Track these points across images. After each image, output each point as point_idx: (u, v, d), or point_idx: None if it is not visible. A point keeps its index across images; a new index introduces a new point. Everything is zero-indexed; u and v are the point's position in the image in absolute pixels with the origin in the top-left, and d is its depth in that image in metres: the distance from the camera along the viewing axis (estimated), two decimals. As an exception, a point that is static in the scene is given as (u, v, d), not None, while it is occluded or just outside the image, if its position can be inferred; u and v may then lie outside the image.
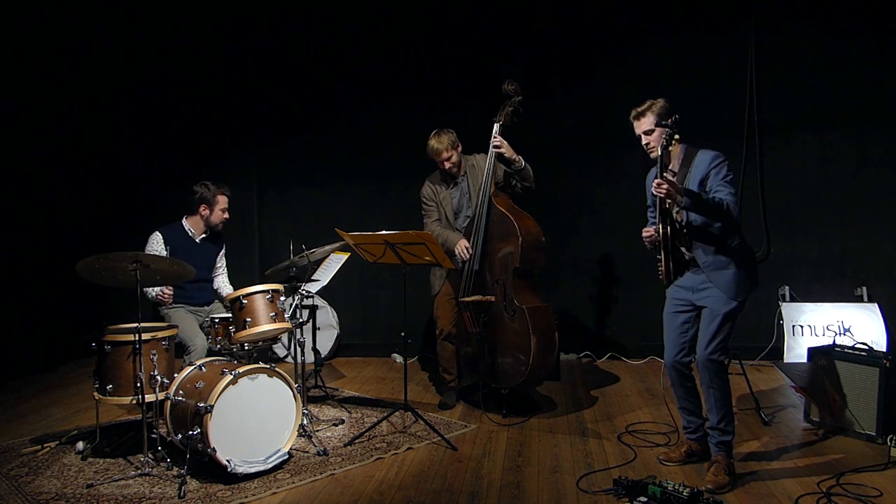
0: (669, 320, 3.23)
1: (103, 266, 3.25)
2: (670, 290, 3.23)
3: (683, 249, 3.09)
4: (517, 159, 4.18)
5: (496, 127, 4.19)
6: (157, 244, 4.08)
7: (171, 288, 3.99)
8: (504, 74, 4.37)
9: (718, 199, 2.92)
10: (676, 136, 2.99)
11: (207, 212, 4.22)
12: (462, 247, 4.18)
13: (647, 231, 3.13)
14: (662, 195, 2.93)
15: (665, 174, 2.98)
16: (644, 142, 3.15)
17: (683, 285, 3.15)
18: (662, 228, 3.01)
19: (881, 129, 5.18)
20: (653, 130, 3.10)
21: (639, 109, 3.14)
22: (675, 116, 2.99)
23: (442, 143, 4.24)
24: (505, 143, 4.17)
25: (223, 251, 4.47)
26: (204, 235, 4.30)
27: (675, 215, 3.05)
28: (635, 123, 3.16)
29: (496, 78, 4.28)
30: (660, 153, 3.00)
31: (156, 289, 3.98)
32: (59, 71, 5.98)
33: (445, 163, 4.28)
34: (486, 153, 4.20)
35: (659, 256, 3.08)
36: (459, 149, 4.32)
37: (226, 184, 4.32)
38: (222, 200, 4.24)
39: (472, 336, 4.21)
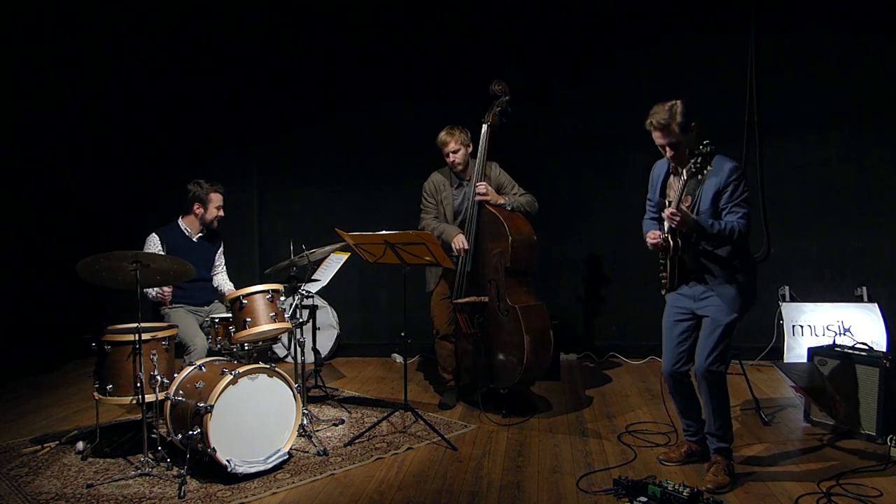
0: (669, 329, 3.20)
1: (103, 266, 3.25)
2: (671, 297, 3.19)
3: (688, 259, 3.05)
4: (504, 205, 4.18)
5: (484, 128, 4.20)
6: (153, 246, 4.08)
7: (169, 287, 3.99)
8: (506, 74, 4.37)
9: (730, 227, 2.87)
10: (709, 168, 2.80)
11: (202, 210, 4.22)
12: (459, 241, 4.17)
13: (654, 236, 3.05)
14: (675, 226, 2.87)
15: (680, 207, 2.87)
16: (668, 153, 2.99)
17: (685, 293, 3.12)
18: (672, 240, 2.96)
19: (881, 129, 5.17)
20: (678, 143, 2.92)
21: (661, 121, 2.90)
22: (711, 147, 2.76)
23: (451, 136, 4.24)
24: (490, 190, 4.17)
25: (221, 249, 4.48)
26: (201, 234, 4.30)
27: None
28: (656, 134, 2.94)
29: (497, 77, 4.28)
30: (685, 178, 2.86)
31: (155, 288, 3.98)
32: (60, 70, 5.97)
33: (451, 155, 4.27)
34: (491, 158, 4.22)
35: (662, 262, 3.06)
36: (469, 149, 4.31)
37: (226, 184, 4.33)
38: (216, 198, 4.24)
39: (468, 337, 4.22)
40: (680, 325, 3.16)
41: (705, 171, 2.82)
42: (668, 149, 2.99)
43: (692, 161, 2.81)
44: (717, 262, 3.00)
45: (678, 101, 2.92)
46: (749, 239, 3.03)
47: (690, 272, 3.07)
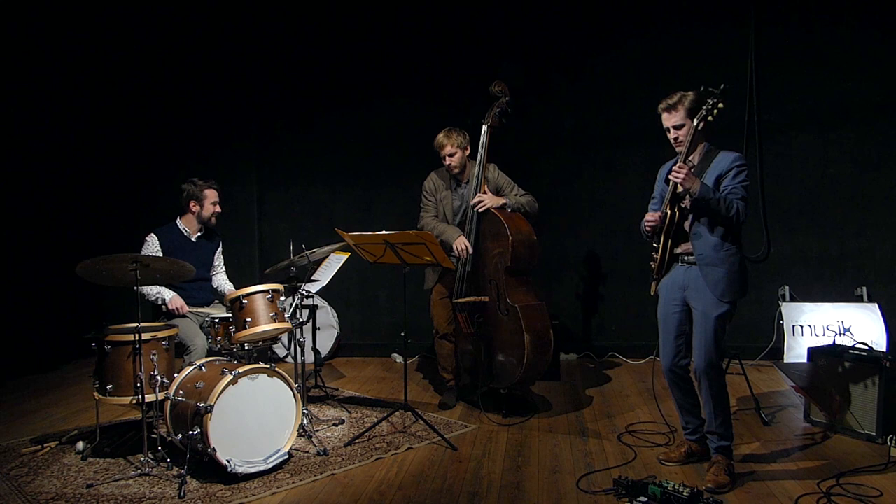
0: (665, 323, 3.23)
1: (103, 267, 3.25)
2: (662, 290, 3.22)
3: (681, 237, 3.08)
4: (504, 205, 4.17)
5: (484, 129, 4.20)
6: (152, 246, 4.08)
7: (184, 306, 4.02)
8: (505, 73, 4.37)
9: (730, 200, 2.91)
10: (721, 105, 2.88)
11: (198, 208, 4.22)
12: (462, 243, 4.17)
13: (652, 216, 3.11)
14: (679, 180, 2.91)
15: (688, 161, 2.98)
16: (672, 136, 3.07)
17: (675, 281, 3.15)
18: (670, 212, 3.01)
19: (881, 129, 5.18)
20: (682, 125, 3.02)
21: (669, 102, 3.03)
22: (723, 85, 2.89)
23: (448, 139, 4.22)
24: (485, 197, 4.14)
25: (220, 249, 4.47)
26: (199, 234, 4.29)
27: (683, 202, 3.03)
28: (664, 116, 3.06)
29: (497, 77, 4.28)
30: (695, 124, 2.94)
31: (168, 295, 3.99)
32: (59, 71, 5.97)
33: (447, 158, 4.26)
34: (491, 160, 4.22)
35: (655, 245, 3.08)
36: (466, 152, 4.29)
37: (226, 184, 4.32)
38: (211, 194, 4.24)
39: (468, 337, 4.22)
40: (674, 317, 3.18)
41: (716, 112, 2.89)
42: (672, 130, 3.05)
43: (704, 106, 2.91)
44: (708, 242, 3.01)
45: (692, 91, 3.03)
46: (743, 231, 3.07)
47: (681, 253, 3.11)
